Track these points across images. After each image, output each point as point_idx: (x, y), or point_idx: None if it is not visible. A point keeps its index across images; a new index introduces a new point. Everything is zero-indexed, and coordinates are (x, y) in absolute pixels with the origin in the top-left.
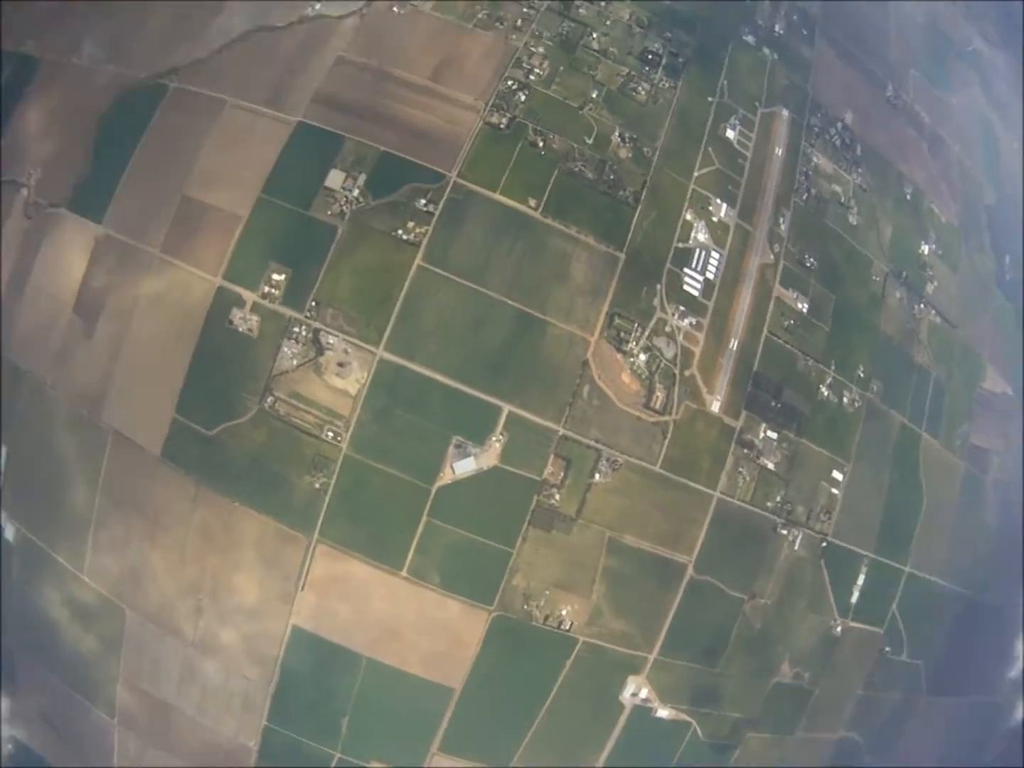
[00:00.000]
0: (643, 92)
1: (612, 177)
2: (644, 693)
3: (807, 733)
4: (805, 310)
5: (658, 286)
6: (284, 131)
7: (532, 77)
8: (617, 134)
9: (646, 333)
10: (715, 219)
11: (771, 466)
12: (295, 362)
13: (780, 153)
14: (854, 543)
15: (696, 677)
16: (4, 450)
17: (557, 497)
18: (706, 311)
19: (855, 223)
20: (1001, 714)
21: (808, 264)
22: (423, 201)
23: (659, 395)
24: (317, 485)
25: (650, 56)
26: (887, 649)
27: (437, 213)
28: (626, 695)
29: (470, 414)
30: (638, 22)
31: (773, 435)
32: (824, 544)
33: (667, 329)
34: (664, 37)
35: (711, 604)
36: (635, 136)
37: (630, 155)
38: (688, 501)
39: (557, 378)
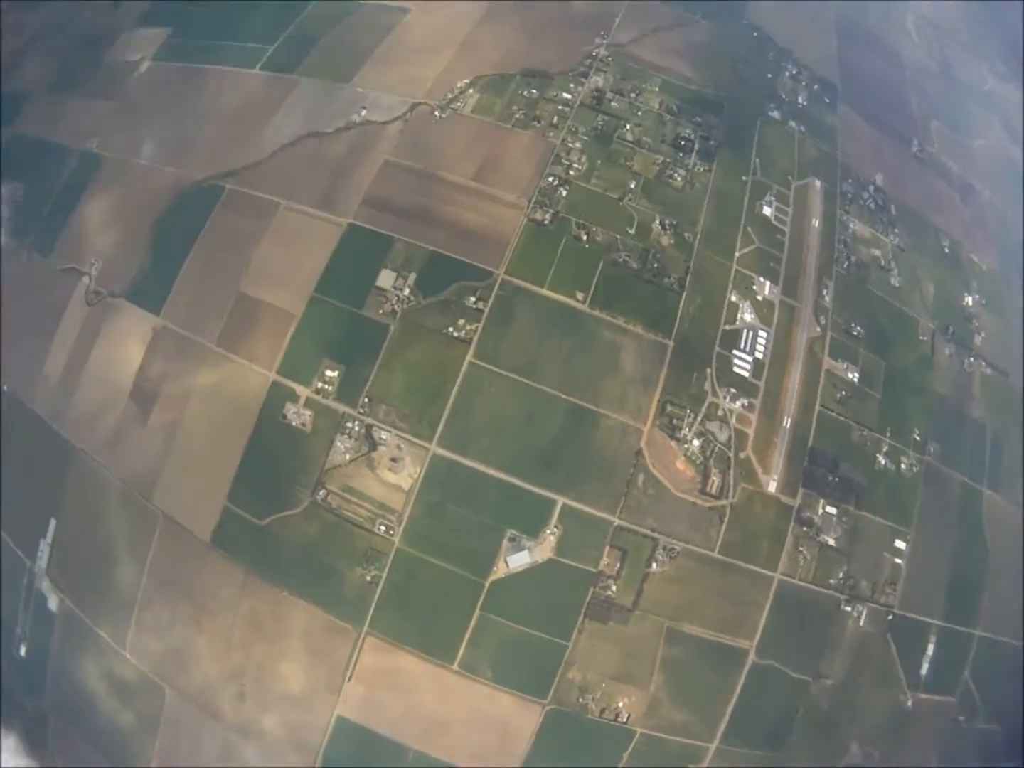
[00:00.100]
0: (679, 178)
1: (656, 265)
2: None
3: None
4: (856, 379)
5: (708, 370)
6: (336, 232)
7: (572, 172)
8: (658, 222)
9: (699, 418)
10: (760, 298)
11: (832, 542)
12: (348, 456)
13: (817, 224)
14: (922, 612)
15: (760, 764)
16: (53, 523)
17: (613, 588)
18: (757, 391)
19: (897, 284)
20: None
21: (855, 333)
22: (472, 299)
23: (714, 479)
24: (368, 578)
25: (683, 142)
26: (961, 718)
27: (487, 310)
28: None
29: (524, 508)
30: (668, 110)
31: (832, 510)
32: (890, 617)
33: (719, 413)
34: (694, 122)
35: (774, 688)
36: (675, 222)
37: (672, 242)
38: (748, 585)
39: (611, 469)
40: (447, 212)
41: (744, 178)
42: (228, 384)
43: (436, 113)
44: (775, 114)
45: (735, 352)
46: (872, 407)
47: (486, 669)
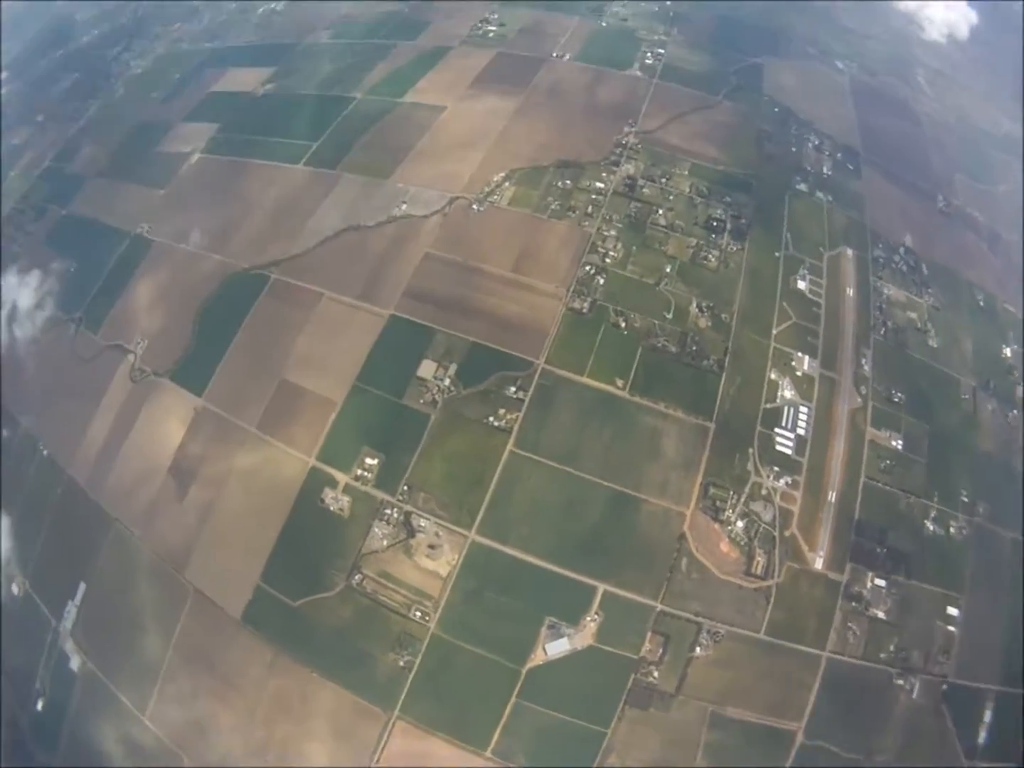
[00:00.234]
0: (713, 259)
1: (695, 348)
2: None
3: None
4: (900, 447)
5: (750, 450)
6: (377, 323)
7: (608, 260)
8: (695, 304)
9: (742, 499)
10: (799, 373)
11: (882, 615)
12: (385, 542)
13: (851, 293)
14: (977, 679)
15: None
16: (83, 586)
17: (655, 674)
18: (801, 468)
19: (936, 345)
20: None
21: (896, 399)
22: (513, 388)
23: (760, 560)
24: (401, 663)
25: (715, 223)
26: None
27: (527, 399)
28: None
29: (564, 595)
30: (698, 192)
31: (881, 582)
32: (944, 687)
33: (763, 492)
34: (724, 202)
35: None
36: (712, 304)
37: (709, 323)
38: (795, 665)
39: (653, 554)
40: (487, 303)
41: (777, 254)
42: (267, 467)
43: (474, 206)
44: (802, 186)
45: (777, 430)
46: (918, 473)
47: (520, 756)
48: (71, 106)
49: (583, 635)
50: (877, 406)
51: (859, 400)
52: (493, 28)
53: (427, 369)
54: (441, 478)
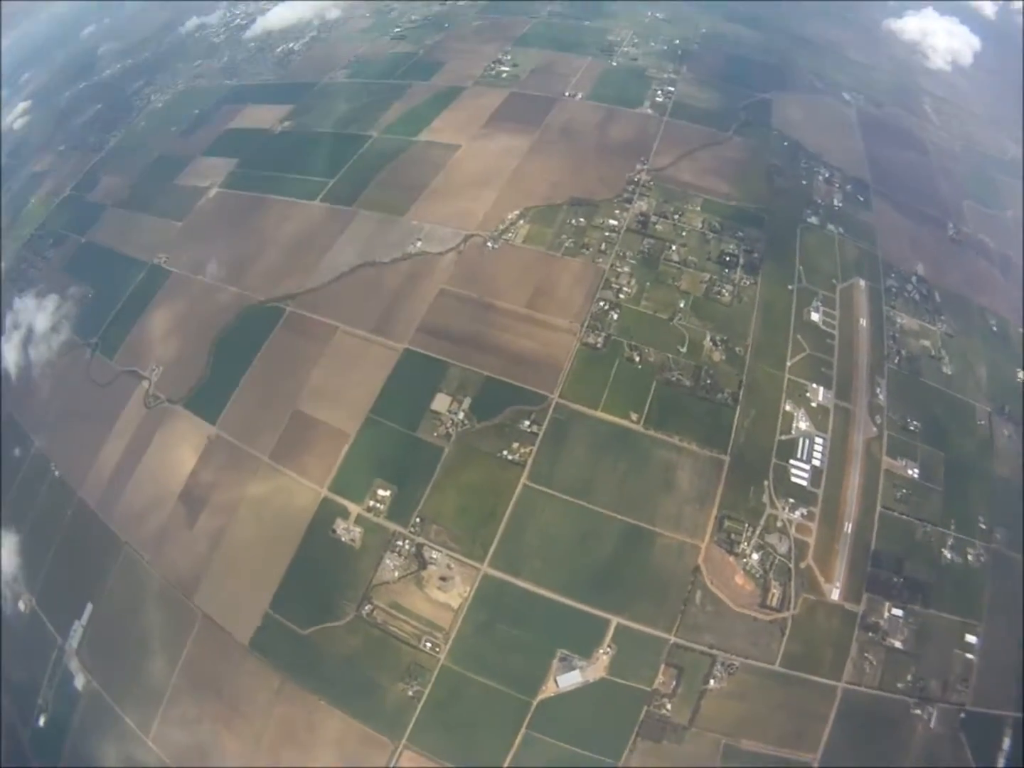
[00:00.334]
0: (727, 293)
1: (709, 381)
2: None
3: None
4: (916, 475)
5: (765, 482)
6: (392, 357)
7: (622, 296)
8: (708, 339)
9: (757, 531)
10: (814, 404)
11: (899, 645)
12: (397, 574)
13: (865, 323)
14: (996, 706)
15: None
16: (90, 607)
17: (668, 707)
18: (816, 499)
19: (950, 372)
20: None
21: (912, 428)
22: (527, 422)
23: (775, 592)
24: (410, 693)
25: (727, 258)
26: None
27: (541, 433)
28: None
29: (576, 628)
30: (711, 227)
31: (898, 612)
32: (963, 715)
33: (779, 524)
34: (737, 237)
35: None
36: (726, 338)
37: (723, 357)
38: (811, 697)
39: (667, 587)
40: (501, 338)
41: (790, 287)
42: (278, 496)
43: (489, 244)
44: (813, 219)
45: (792, 462)
46: (935, 501)
47: None
48: (93, 137)
49: (595, 667)
50: (892, 435)
51: (874, 429)
52: (506, 68)
53: (441, 403)
54: (454, 511)
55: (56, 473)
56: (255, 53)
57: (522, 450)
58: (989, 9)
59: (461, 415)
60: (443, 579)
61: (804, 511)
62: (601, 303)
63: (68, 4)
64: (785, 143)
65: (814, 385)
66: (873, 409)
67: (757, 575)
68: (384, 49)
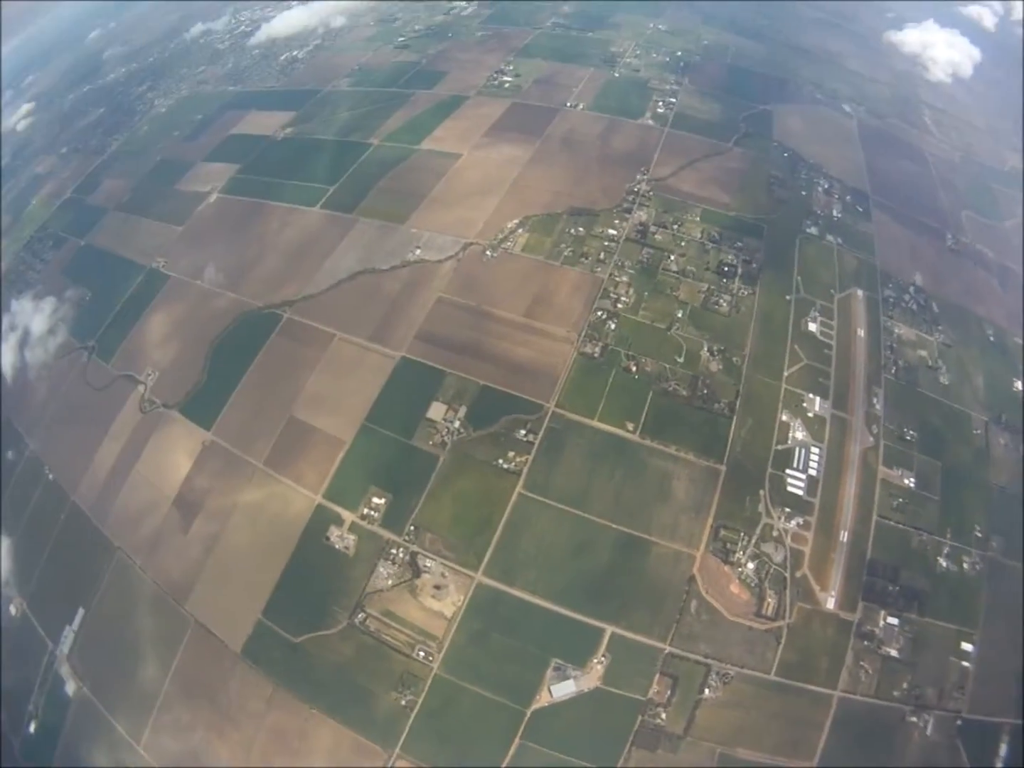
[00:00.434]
0: (725, 304)
1: (705, 391)
2: None
3: None
4: (912, 485)
5: (761, 492)
6: (388, 364)
7: (620, 305)
8: (706, 349)
9: (753, 541)
10: (810, 414)
11: (895, 653)
12: (390, 582)
13: (862, 334)
14: (992, 713)
15: None
16: (81, 612)
17: (663, 716)
18: (812, 508)
19: (947, 382)
20: None
21: (908, 437)
22: (523, 431)
23: (770, 601)
24: (403, 702)
25: (726, 268)
26: None
27: (537, 442)
28: None
29: (570, 637)
30: (710, 237)
31: (894, 621)
32: (959, 722)
33: (774, 534)
34: (736, 247)
35: None
36: (723, 348)
37: (720, 367)
38: (807, 705)
39: (662, 596)
40: (498, 347)
41: (788, 297)
42: (273, 503)
43: (487, 252)
44: (812, 230)
45: (788, 471)
46: (931, 510)
47: None
48: (95, 140)
49: (590, 677)
50: (889, 445)
51: (871, 439)
52: (508, 79)
53: (437, 411)
54: (448, 519)
55: (50, 476)
56: (259, 60)
57: (518, 459)
58: (989, 21)
59: (457, 423)
60: (437, 588)
61: (800, 520)
62: (599, 312)
63: (74, 8)
64: (785, 154)
65: (811, 395)
66: (870, 419)
67: (752, 584)
68: (388, 58)
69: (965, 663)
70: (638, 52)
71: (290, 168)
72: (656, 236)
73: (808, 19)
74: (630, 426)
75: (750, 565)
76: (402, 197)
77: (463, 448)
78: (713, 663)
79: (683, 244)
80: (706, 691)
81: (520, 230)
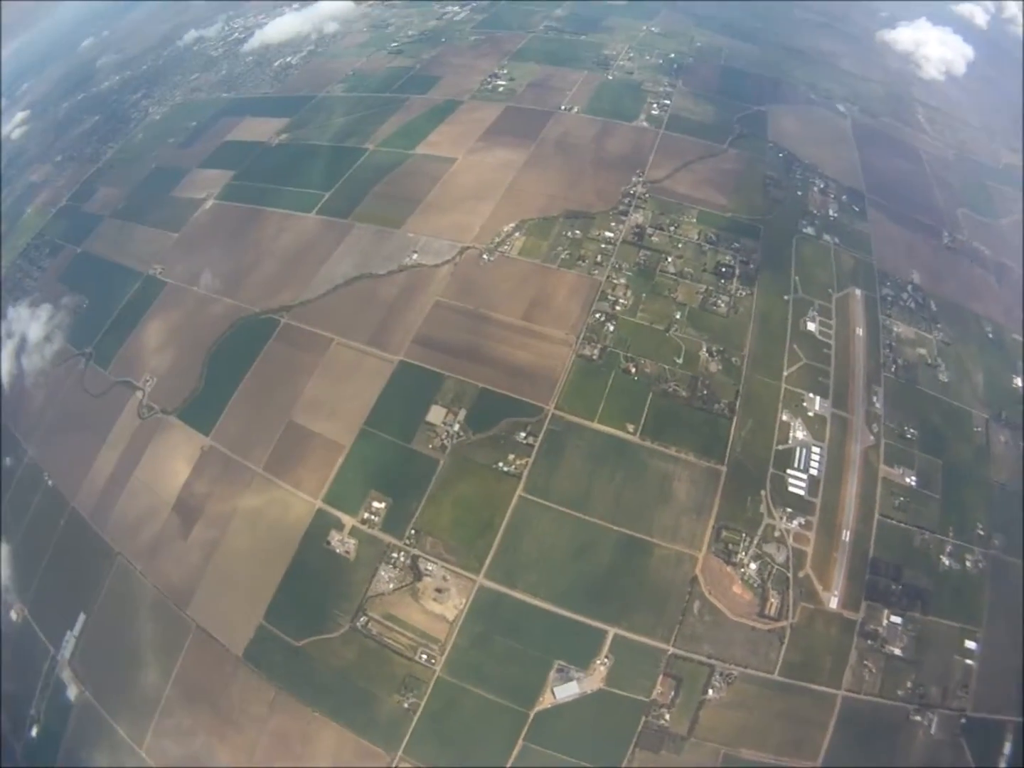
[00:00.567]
0: (723, 304)
1: (705, 392)
2: None
3: None
4: (914, 483)
5: (763, 492)
6: (387, 369)
7: (618, 307)
8: (705, 349)
9: (755, 541)
10: (811, 414)
11: (898, 652)
12: (391, 585)
13: (861, 333)
14: (996, 711)
15: None
16: (82, 617)
17: (667, 717)
18: (814, 508)
19: (946, 380)
20: None
21: (909, 436)
22: (523, 434)
23: (773, 601)
24: (406, 705)
25: (723, 269)
26: None
27: (537, 445)
28: None
29: (573, 639)
30: (707, 239)
31: (897, 619)
32: (963, 720)
33: (776, 534)
34: (733, 248)
35: None
36: (722, 348)
37: (720, 368)
38: (810, 705)
39: (665, 597)
40: (497, 350)
41: (786, 297)
42: (272, 507)
43: (484, 256)
44: (809, 230)
45: (789, 471)
46: (933, 508)
47: None
48: (90, 147)
49: (593, 678)
50: (890, 443)
51: (871, 438)
52: (502, 82)
53: (436, 414)
54: (449, 523)
55: (49, 482)
56: (253, 66)
57: (518, 462)
58: (981, 18)
59: (456, 427)
60: (439, 591)
61: (802, 520)
62: (597, 315)
63: (68, 14)
64: (780, 154)
65: (811, 394)
66: (870, 418)
67: (755, 584)
68: (381, 63)
69: (969, 661)
70: (631, 55)
71: (285, 174)
72: (653, 238)
73: (801, 20)
74: (630, 427)
75: (752, 566)
76: (398, 202)
77: (463, 451)
78: (716, 664)
79: (680, 246)
80: (710, 692)
81: (516, 234)
